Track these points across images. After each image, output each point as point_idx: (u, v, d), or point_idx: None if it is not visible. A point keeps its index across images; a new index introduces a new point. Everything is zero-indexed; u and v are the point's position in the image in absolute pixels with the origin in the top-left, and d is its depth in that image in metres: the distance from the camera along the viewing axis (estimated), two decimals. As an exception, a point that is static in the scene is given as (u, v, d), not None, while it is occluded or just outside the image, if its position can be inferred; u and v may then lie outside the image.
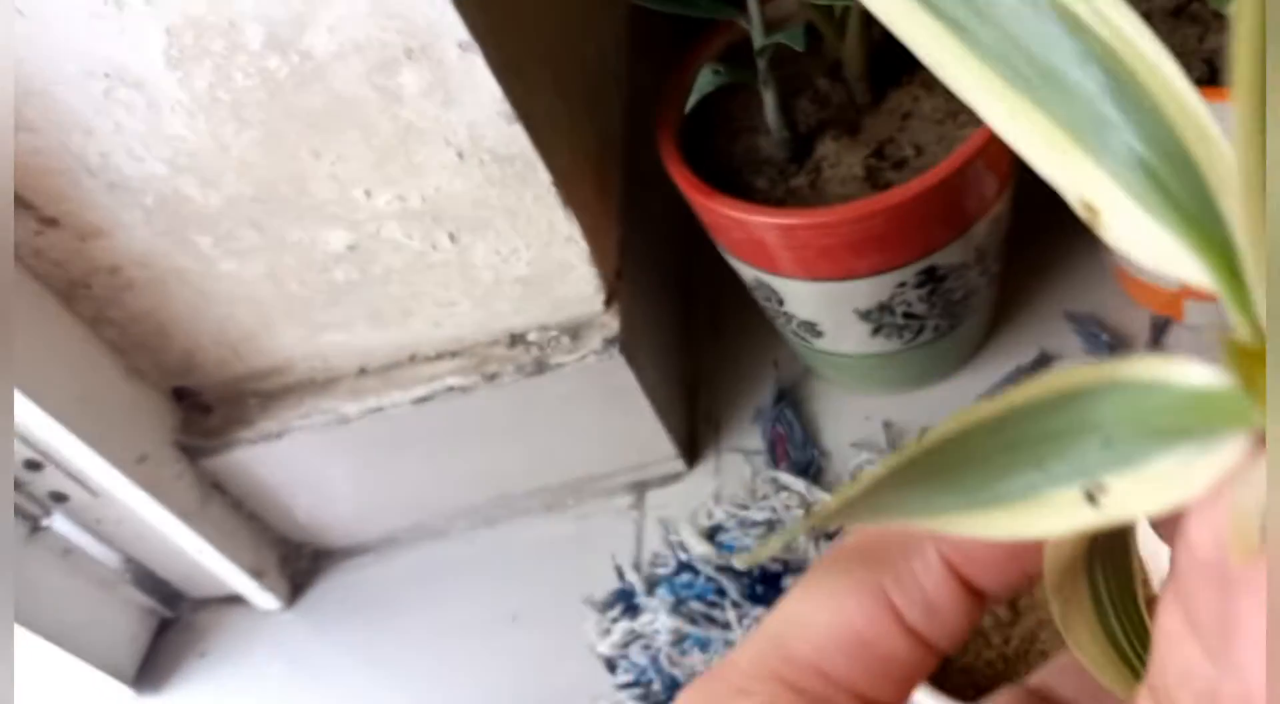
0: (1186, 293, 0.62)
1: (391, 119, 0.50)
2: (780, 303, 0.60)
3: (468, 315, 0.60)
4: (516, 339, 0.61)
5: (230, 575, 0.68)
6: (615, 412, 0.63)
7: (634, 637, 0.62)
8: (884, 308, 0.58)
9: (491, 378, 0.60)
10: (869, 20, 0.61)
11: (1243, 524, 0.14)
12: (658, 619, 0.61)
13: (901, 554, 0.21)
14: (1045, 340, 0.67)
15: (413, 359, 0.62)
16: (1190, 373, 0.15)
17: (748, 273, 0.60)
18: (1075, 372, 0.16)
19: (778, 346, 0.71)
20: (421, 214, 0.54)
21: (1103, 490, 0.15)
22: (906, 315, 0.59)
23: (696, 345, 0.74)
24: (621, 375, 0.60)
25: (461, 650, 0.66)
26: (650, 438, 0.65)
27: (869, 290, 0.57)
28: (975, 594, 0.21)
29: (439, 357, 0.62)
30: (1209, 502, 0.15)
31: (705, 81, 0.51)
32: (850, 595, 0.21)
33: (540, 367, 0.60)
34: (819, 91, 0.60)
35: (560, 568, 0.67)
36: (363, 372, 0.63)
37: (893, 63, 0.59)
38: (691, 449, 0.69)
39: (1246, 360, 0.14)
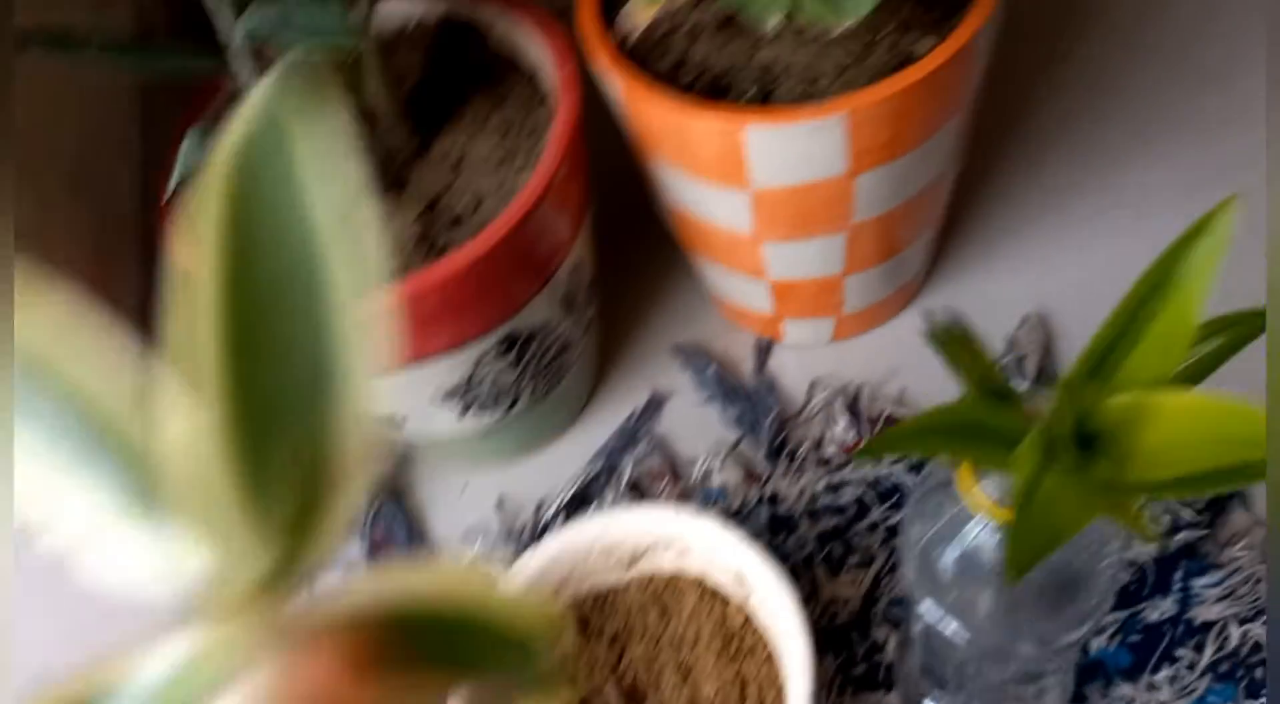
0: (782, 314, 0.59)
1: None
2: (349, 393, 0.51)
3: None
4: None
5: None
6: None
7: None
8: (468, 385, 0.50)
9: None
10: (390, 57, 0.53)
11: None
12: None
13: None
14: (656, 378, 0.62)
15: None
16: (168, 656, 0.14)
17: (302, 365, 0.50)
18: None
19: (369, 429, 0.62)
20: None
21: None
22: (495, 387, 0.52)
23: (275, 440, 0.63)
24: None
25: None
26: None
27: (447, 370, 0.49)
28: None
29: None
30: None
31: (191, 151, 0.40)
32: None
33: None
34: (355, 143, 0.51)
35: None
36: None
37: (436, 103, 0.52)
38: (281, 569, 0.58)
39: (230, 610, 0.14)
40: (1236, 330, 0.31)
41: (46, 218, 0.46)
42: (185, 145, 0.41)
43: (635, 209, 0.60)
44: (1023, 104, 0.68)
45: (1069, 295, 0.60)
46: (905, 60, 0.46)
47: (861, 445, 0.30)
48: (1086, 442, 0.29)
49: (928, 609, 0.39)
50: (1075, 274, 0.61)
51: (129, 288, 0.52)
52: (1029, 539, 0.26)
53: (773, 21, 0.40)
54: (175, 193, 0.47)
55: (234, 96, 0.50)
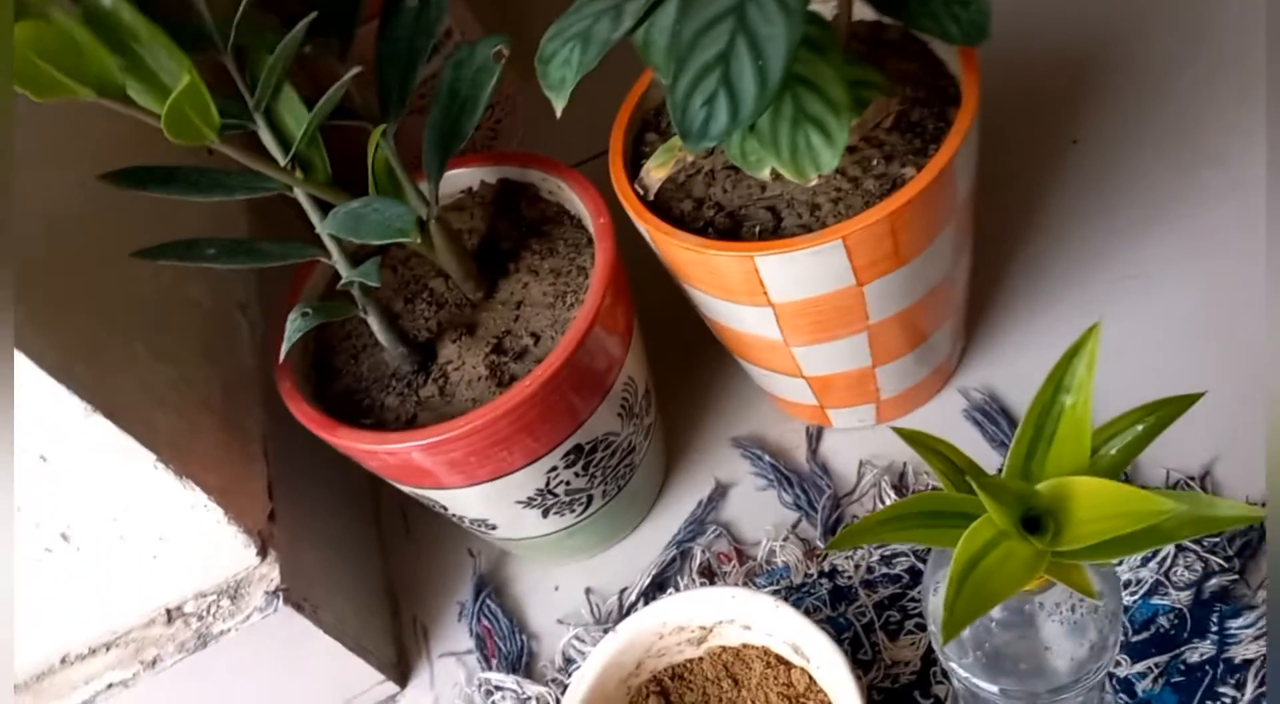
0: (825, 404, 0.65)
1: (-46, 440, 0.46)
2: (445, 508, 0.59)
3: (111, 604, 0.55)
4: (173, 614, 0.57)
5: None
6: (303, 659, 0.59)
7: None
8: (545, 492, 0.58)
9: (153, 663, 0.56)
10: (459, 213, 0.62)
11: None
12: None
13: None
14: (718, 470, 0.69)
15: (64, 662, 0.57)
16: None
17: (404, 488, 0.58)
18: None
19: (471, 535, 0.70)
20: (20, 524, 0.50)
21: None
22: (570, 492, 0.59)
23: (391, 548, 0.72)
24: (297, 623, 0.57)
25: None
26: (351, 671, 0.62)
27: (524, 480, 0.57)
28: None
29: (92, 652, 0.57)
30: None
31: (295, 327, 0.50)
32: None
33: (203, 639, 0.55)
34: (434, 293, 0.60)
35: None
36: (13, 688, 0.57)
37: (498, 253, 0.60)
38: (402, 665, 0.66)
39: None
40: (1164, 411, 0.37)
41: (188, 379, 0.56)
42: (291, 322, 0.50)
43: (686, 321, 0.67)
44: (1036, 188, 0.74)
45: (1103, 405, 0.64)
46: (895, 184, 0.52)
47: (836, 538, 0.36)
48: (1034, 522, 0.35)
49: (956, 669, 0.44)
50: (1100, 342, 0.65)
51: (256, 426, 0.61)
52: (966, 605, 0.32)
53: (764, 172, 0.47)
54: (291, 357, 0.56)
55: (328, 274, 0.60)
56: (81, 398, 0.46)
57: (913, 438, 0.36)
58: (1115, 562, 0.56)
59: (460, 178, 0.63)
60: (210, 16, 0.45)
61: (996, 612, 0.41)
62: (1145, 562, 0.57)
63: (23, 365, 0.44)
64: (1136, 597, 0.56)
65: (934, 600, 0.43)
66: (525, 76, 0.93)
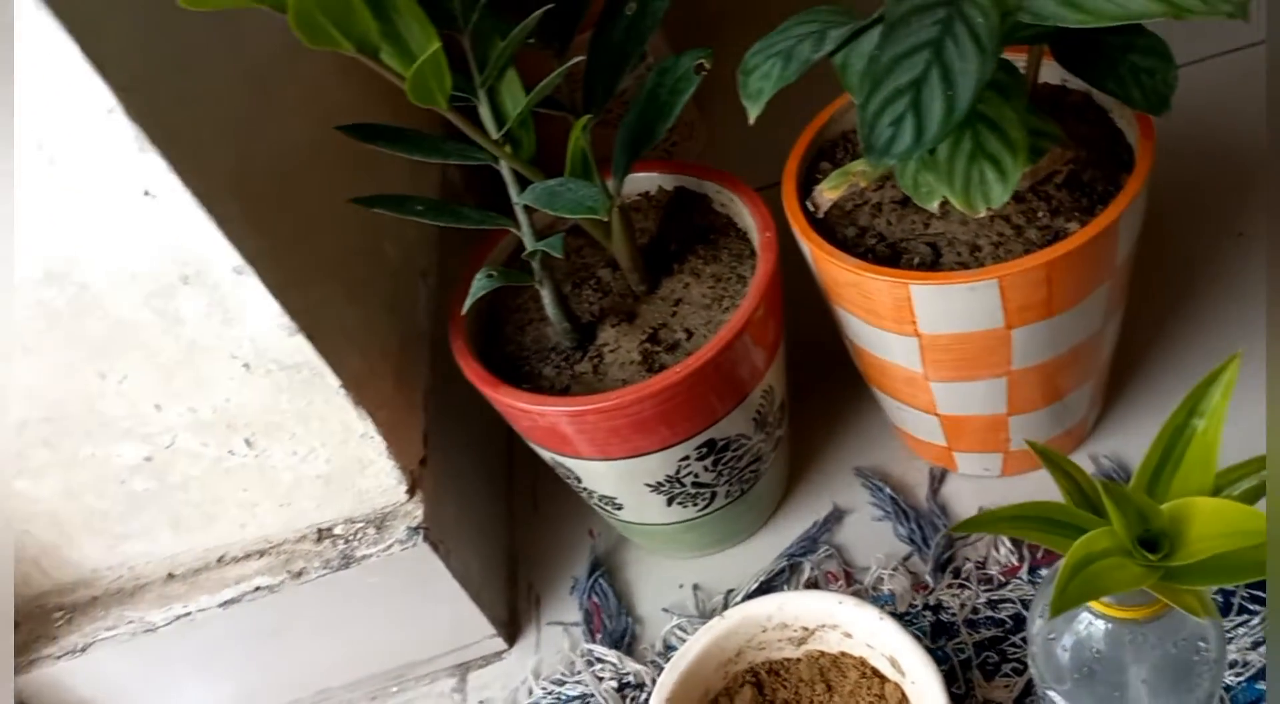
0: (954, 447, 0.67)
1: (174, 339, 0.52)
2: (579, 480, 0.63)
3: (272, 515, 0.61)
4: (323, 533, 0.62)
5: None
6: (428, 598, 0.64)
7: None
8: (673, 480, 0.61)
9: (299, 575, 0.61)
10: (634, 214, 0.66)
11: None
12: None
13: None
14: (838, 495, 0.71)
15: (220, 561, 0.63)
16: None
17: (544, 454, 0.63)
18: None
19: (594, 517, 0.74)
20: (214, 423, 0.56)
21: None
22: (696, 485, 0.62)
23: (517, 519, 0.76)
24: (430, 562, 0.62)
25: None
26: (467, 619, 0.66)
27: (656, 465, 0.60)
28: None
29: (247, 556, 0.62)
30: None
31: (479, 285, 0.55)
32: None
33: (347, 560, 0.61)
34: (601, 281, 0.64)
35: (385, 759, 0.67)
36: (170, 577, 0.63)
37: (664, 253, 0.64)
38: (512, 625, 0.70)
39: None
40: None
41: (372, 325, 0.62)
42: (477, 280, 0.55)
43: (829, 349, 0.70)
44: (1196, 275, 0.74)
45: (1242, 447, 0.65)
46: (1057, 237, 0.55)
47: (962, 521, 0.38)
48: (1150, 544, 0.37)
49: (1054, 696, 0.45)
50: (1247, 425, 0.65)
51: (421, 381, 0.67)
52: (1076, 590, 0.34)
53: (934, 204, 0.50)
54: (465, 316, 0.61)
55: (509, 247, 0.65)
56: (291, 317, 0.52)
57: (1043, 452, 0.39)
58: (1224, 611, 0.56)
59: (641, 181, 0.68)
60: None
61: (1100, 641, 0.43)
62: (1255, 646, 0.57)
63: (249, 280, 0.50)
64: (1242, 679, 0.56)
65: (1040, 622, 0.45)
66: (704, 107, 0.98)
